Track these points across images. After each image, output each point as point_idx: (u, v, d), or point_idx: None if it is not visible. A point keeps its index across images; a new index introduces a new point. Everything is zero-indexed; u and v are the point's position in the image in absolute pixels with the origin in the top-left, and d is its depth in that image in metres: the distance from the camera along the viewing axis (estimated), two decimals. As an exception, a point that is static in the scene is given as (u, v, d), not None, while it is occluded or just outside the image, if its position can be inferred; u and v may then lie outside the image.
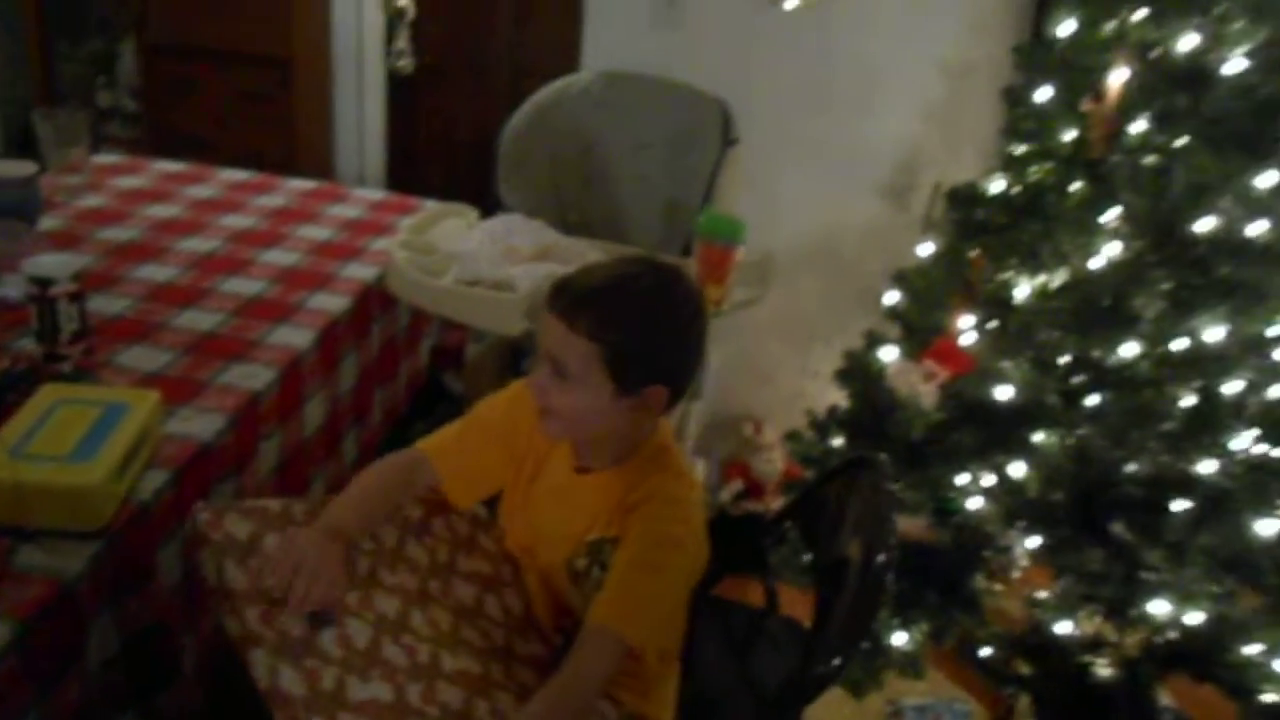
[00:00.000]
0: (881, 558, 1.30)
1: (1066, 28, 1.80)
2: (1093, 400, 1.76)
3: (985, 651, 1.86)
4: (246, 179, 2.40)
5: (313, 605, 1.06)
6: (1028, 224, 1.82)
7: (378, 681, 1.06)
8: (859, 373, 2.12)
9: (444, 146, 4.16)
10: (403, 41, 3.89)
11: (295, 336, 1.68)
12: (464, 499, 1.33)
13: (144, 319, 1.66)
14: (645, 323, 1.17)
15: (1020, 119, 1.90)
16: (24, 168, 1.95)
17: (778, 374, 2.82)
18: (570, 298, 1.15)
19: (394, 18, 3.84)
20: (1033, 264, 1.79)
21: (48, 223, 1.97)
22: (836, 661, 1.24)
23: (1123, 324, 1.67)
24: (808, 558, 1.62)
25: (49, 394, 1.27)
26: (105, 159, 2.42)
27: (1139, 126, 1.68)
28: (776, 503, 2.57)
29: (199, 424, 1.40)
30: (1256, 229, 1.58)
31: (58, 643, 1.09)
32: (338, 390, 1.82)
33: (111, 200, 2.15)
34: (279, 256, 1.96)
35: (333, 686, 1.03)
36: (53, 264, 1.48)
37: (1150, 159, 1.66)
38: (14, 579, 1.08)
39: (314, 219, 2.18)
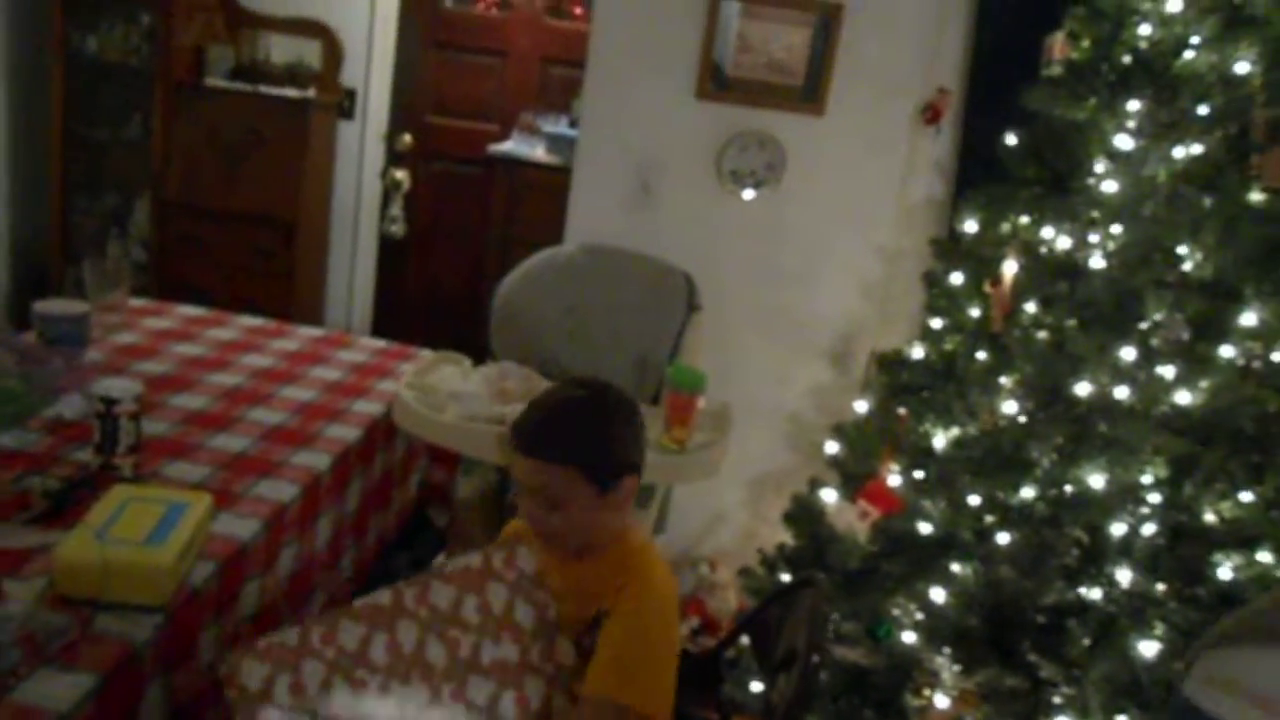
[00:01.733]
0: (816, 657, 1.54)
1: (971, 225, 2.20)
2: (1002, 537, 2.04)
3: (915, 764, 2.06)
4: (261, 324, 2.67)
5: None
6: (944, 385, 2.15)
7: None
8: (804, 513, 2.39)
9: (429, 302, 4.51)
10: (397, 209, 4.29)
11: (314, 460, 1.92)
12: None
13: (183, 439, 1.90)
14: (600, 430, 1.33)
15: (937, 298, 2.26)
16: (77, 306, 2.22)
17: (732, 518, 3.08)
18: (531, 438, 1.30)
19: (391, 188, 4.24)
20: (948, 418, 2.11)
21: (91, 354, 2.22)
22: (778, 740, 1.46)
23: (1021, 470, 1.97)
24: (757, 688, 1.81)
25: (120, 493, 1.51)
26: (134, 302, 2.69)
27: (1030, 307, 2.04)
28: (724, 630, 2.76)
29: (237, 526, 1.63)
30: (1123, 394, 1.92)
31: (123, 698, 1.29)
32: (344, 510, 2.04)
33: (144, 338, 2.41)
34: (297, 392, 2.22)
35: None
36: (118, 386, 1.73)
37: (1039, 334, 2.01)
38: (93, 640, 1.29)
39: (325, 361, 2.45)
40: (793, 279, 2.89)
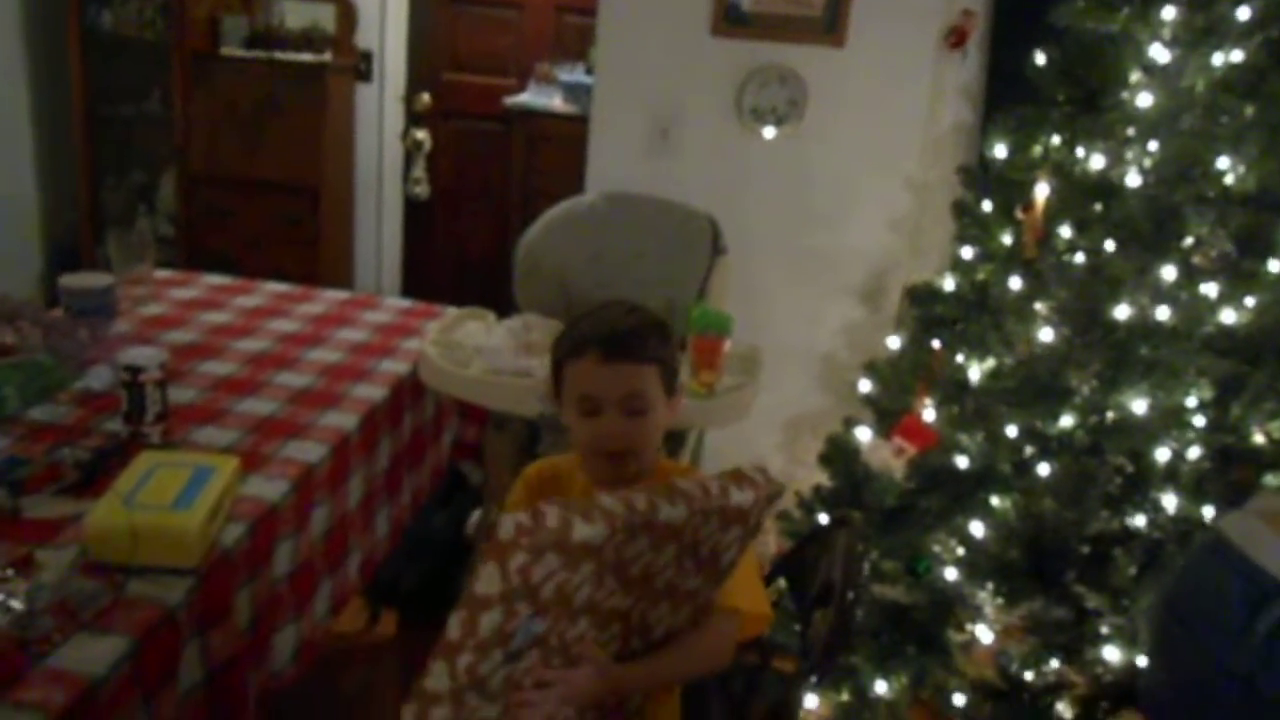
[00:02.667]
0: (851, 595, 1.52)
1: (1001, 151, 2.12)
2: (1043, 468, 2.00)
3: (959, 698, 2.04)
4: (287, 290, 2.67)
5: None
6: (977, 316, 2.09)
7: (499, 702, 1.09)
8: (839, 453, 2.36)
9: (456, 261, 4.50)
10: (420, 170, 4.27)
11: (342, 420, 1.91)
12: None
13: (211, 405, 1.91)
14: (664, 329, 1.36)
15: (967, 227, 2.20)
16: (102, 279, 2.23)
17: (769, 462, 3.05)
18: (621, 341, 1.30)
19: (412, 150, 4.22)
20: (982, 350, 2.06)
21: (119, 326, 2.23)
22: (813, 679, 1.45)
23: (1061, 399, 1.92)
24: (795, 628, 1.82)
25: (148, 458, 1.51)
26: (161, 274, 2.70)
27: (1064, 231, 1.97)
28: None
29: (266, 488, 1.63)
30: (1164, 315, 1.85)
31: (161, 660, 1.30)
32: (375, 470, 2.05)
33: (171, 308, 2.42)
34: (323, 354, 2.22)
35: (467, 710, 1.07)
36: (143, 355, 1.73)
37: (1075, 258, 1.95)
38: (126, 605, 1.29)
39: (350, 323, 2.44)
40: (819, 217, 2.83)
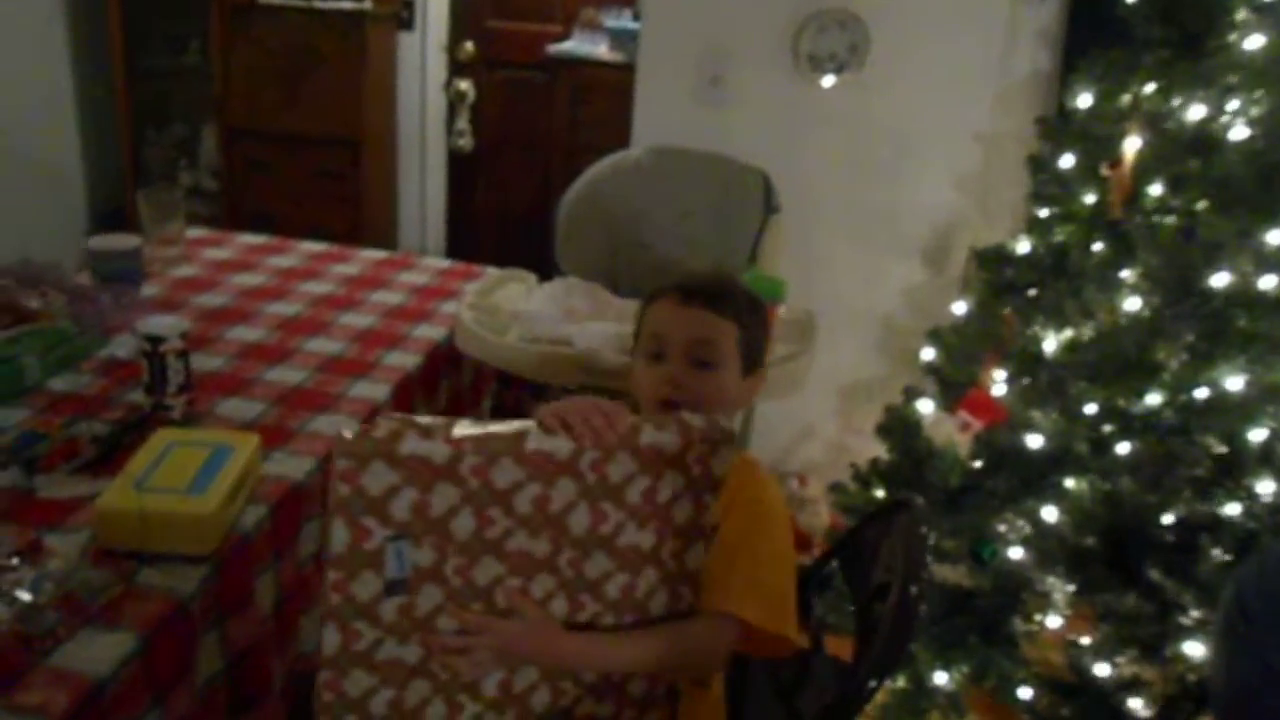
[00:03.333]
0: (915, 589, 1.40)
1: (1084, 100, 1.94)
2: (1123, 448, 1.84)
3: (1025, 692, 1.92)
4: (323, 250, 2.58)
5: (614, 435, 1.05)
6: (1054, 282, 1.93)
7: (413, 645, 1.08)
8: (898, 426, 2.22)
9: (500, 217, 4.38)
10: (463, 122, 4.14)
11: (373, 390, 1.83)
12: None
13: (238, 374, 1.83)
14: (757, 303, 1.32)
15: (1044, 184, 2.03)
16: (129, 240, 2.16)
17: (821, 430, 2.93)
18: (702, 288, 1.27)
19: (455, 101, 4.09)
20: (1060, 319, 1.90)
21: (148, 290, 2.16)
22: (872, 684, 1.33)
23: (1146, 374, 1.76)
24: (850, 608, 1.71)
25: (163, 437, 1.43)
26: (194, 233, 2.63)
27: (1155, 190, 1.79)
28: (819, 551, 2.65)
29: (291, 465, 1.55)
30: (1269, 283, 1.68)
31: (174, 655, 1.23)
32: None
33: (203, 270, 2.35)
34: (356, 319, 2.13)
35: (365, 648, 1.06)
36: (163, 324, 1.65)
37: (1166, 219, 1.77)
38: (136, 596, 1.22)
39: (386, 285, 2.35)
40: (881, 172, 2.66)
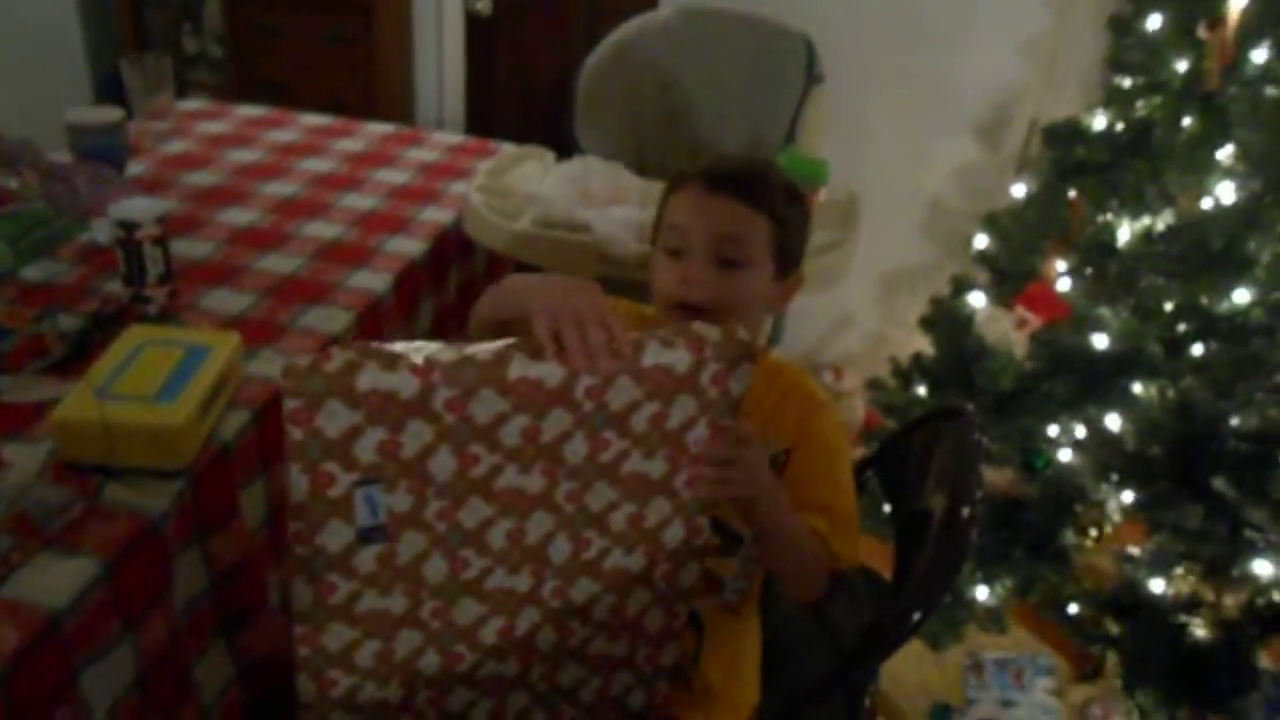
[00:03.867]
0: (966, 512, 1.26)
1: (1181, -51, 1.68)
2: (1197, 350, 1.67)
3: (1073, 608, 1.80)
4: (327, 123, 2.40)
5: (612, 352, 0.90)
6: (1132, 163, 1.72)
7: (397, 595, 0.98)
8: (945, 319, 2.05)
9: (521, 88, 4.12)
10: (481, -18, 3.85)
11: (373, 281, 1.68)
12: None
13: (227, 263, 1.68)
14: (795, 194, 1.16)
15: (1127, 49, 1.79)
16: (110, 113, 1.98)
17: (860, 319, 2.76)
18: (729, 175, 1.12)
19: (472, -42, 3.79)
20: (1136, 205, 1.69)
21: (135, 168, 2.00)
22: (916, 616, 1.21)
23: (1235, 269, 1.57)
24: (887, 508, 1.59)
25: (135, 335, 1.30)
26: (190, 105, 2.45)
27: (1260, 56, 1.56)
28: (856, 452, 2.52)
29: (280, 365, 1.41)
30: (1389, 166, 1.46)
31: (145, 578, 1.12)
32: (415, 336, 1.82)
33: (196, 145, 2.18)
34: (357, 201, 1.96)
35: (341, 600, 0.97)
36: (137, 208, 1.50)
37: (1272, 91, 1.54)
38: (102, 516, 1.10)
39: (392, 163, 2.18)
40: (934, 36, 2.42)
